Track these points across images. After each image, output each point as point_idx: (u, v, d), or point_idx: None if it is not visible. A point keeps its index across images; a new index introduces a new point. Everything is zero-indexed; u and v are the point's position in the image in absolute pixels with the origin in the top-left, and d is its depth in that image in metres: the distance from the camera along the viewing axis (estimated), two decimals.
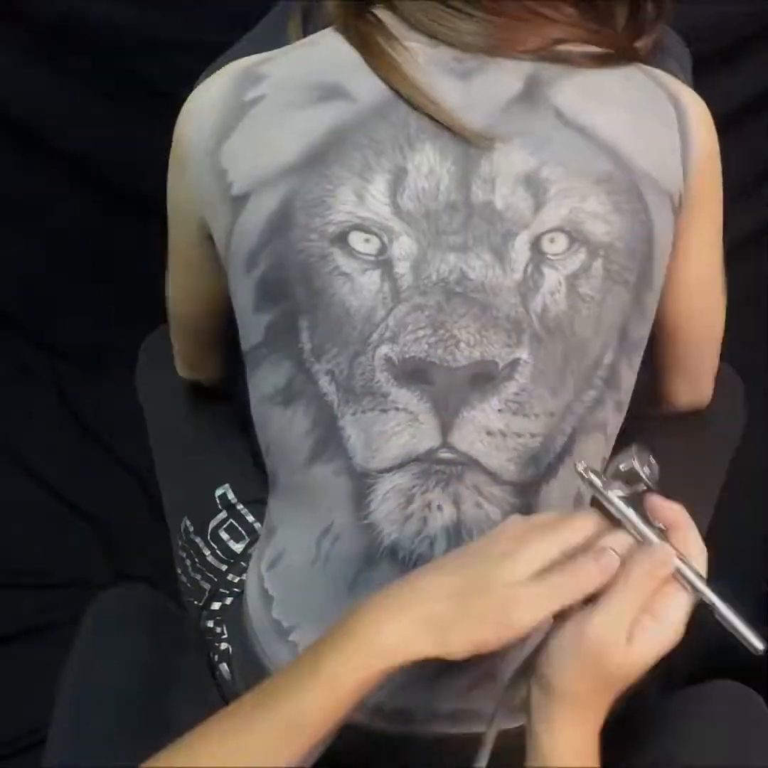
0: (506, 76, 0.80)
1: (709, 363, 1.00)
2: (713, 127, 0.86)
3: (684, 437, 1.09)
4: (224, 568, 0.96)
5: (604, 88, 0.81)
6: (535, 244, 0.78)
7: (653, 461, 0.72)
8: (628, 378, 0.85)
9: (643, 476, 0.70)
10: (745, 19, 1.38)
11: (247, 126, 0.80)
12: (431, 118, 0.78)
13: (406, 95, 0.78)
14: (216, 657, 0.93)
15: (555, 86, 0.79)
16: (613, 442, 0.87)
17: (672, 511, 0.70)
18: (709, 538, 1.04)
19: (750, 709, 0.88)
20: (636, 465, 0.71)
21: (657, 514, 0.70)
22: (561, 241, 0.79)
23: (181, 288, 0.97)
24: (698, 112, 0.85)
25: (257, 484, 0.90)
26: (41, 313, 1.67)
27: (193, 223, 0.86)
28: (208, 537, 0.98)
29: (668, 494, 1.04)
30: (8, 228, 1.60)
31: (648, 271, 0.82)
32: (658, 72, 0.85)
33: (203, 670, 0.95)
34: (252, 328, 0.83)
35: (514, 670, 0.75)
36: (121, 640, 0.94)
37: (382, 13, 0.82)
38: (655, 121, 0.82)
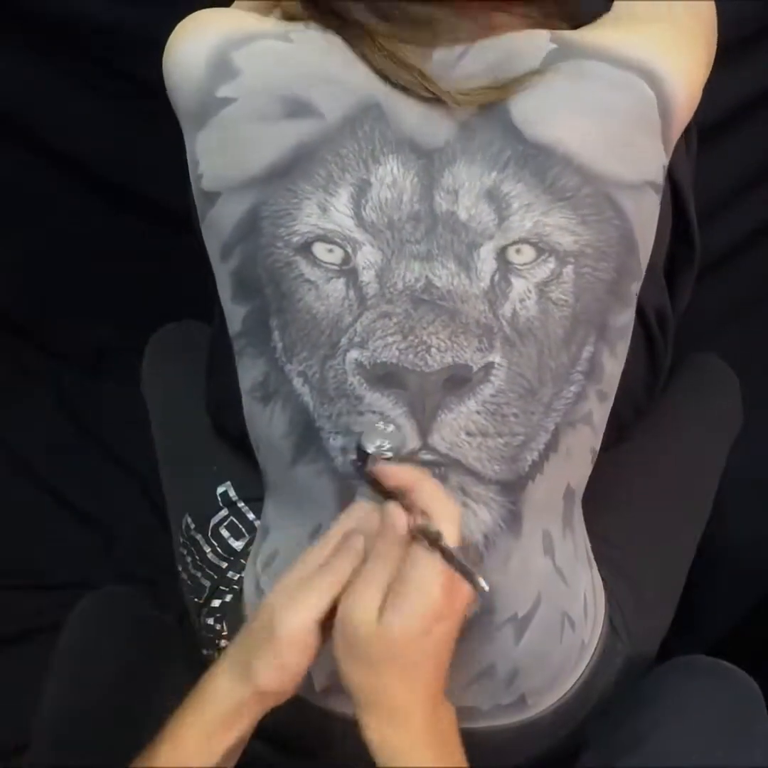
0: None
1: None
2: (694, 56, 0.82)
3: (681, 435, 1.09)
4: (224, 565, 0.96)
5: (568, 97, 0.79)
6: (501, 255, 0.78)
7: (391, 429, 0.75)
8: (612, 366, 0.85)
9: (365, 446, 0.73)
10: (745, 19, 1.38)
11: (218, 126, 0.81)
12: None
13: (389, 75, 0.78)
14: (216, 654, 0.93)
15: (514, 99, 0.78)
16: (601, 433, 0.87)
17: (401, 474, 0.69)
18: (706, 536, 1.05)
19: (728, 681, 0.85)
20: (363, 440, 0.73)
21: (387, 481, 0.69)
22: (528, 252, 0.79)
23: None
24: (675, 68, 0.80)
25: (259, 483, 0.90)
26: (41, 313, 1.67)
27: None
28: (209, 534, 0.99)
29: (663, 492, 1.05)
30: (8, 228, 1.60)
31: (630, 264, 0.82)
32: (625, 51, 0.80)
33: (185, 678, 0.96)
34: (232, 316, 0.85)
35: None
36: (107, 642, 0.95)
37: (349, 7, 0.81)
38: (628, 117, 0.79)
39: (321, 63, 0.80)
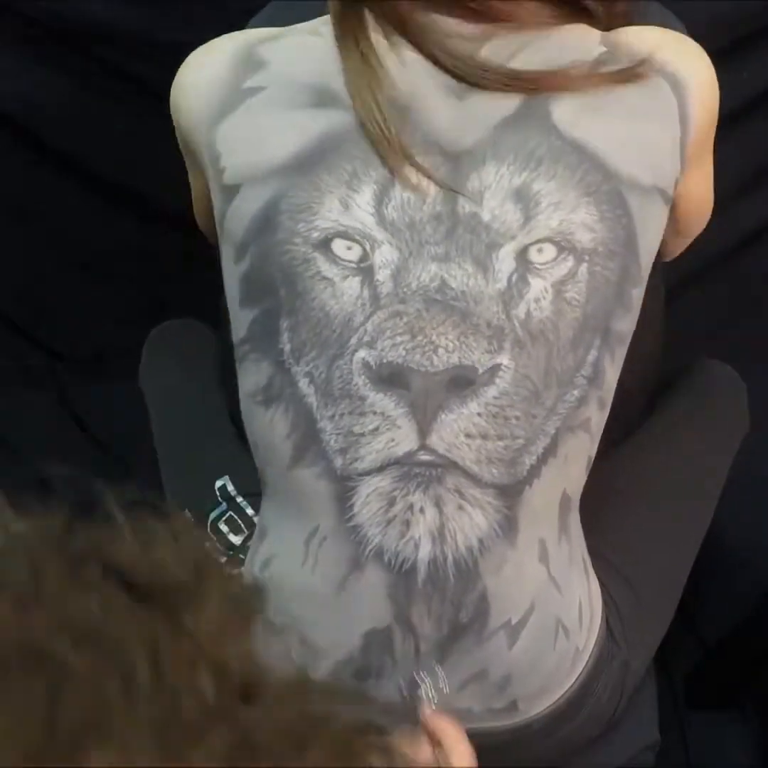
0: (503, 95, 0.79)
1: (704, 221, 1.01)
2: (713, 76, 0.84)
3: (686, 439, 1.08)
4: (223, 560, 0.96)
5: (605, 102, 0.80)
6: (521, 255, 0.78)
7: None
8: (611, 374, 0.85)
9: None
10: (744, 19, 1.38)
11: (244, 115, 0.80)
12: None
13: (365, 121, 0.78)
14: None
15: (556, 101, 0.79)
16: (597, 441, 0.86)
17: (433, 722, 0.72)
18: (709, 540, 1.05)
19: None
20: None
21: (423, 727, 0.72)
22: (549, 251, 0.79)
23: (200, 216, 0.97)
24: (698, 79, 0.83)
25: (257, 477, 0.90)
26: (41, 313, 1.67)
27: (202, 178, 0.87)
28: (208, 529, 0.98)
29: (666, 496, 1.05)
30: (8, 228, 1.60)
31: (632, 268, 0.82)
32: (658, 54, 0.82)
33: None
34: (238, 321, 0.84)
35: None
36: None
37: (384, 20, 0.81)
38: (653, 121, 0.82)
39: None
